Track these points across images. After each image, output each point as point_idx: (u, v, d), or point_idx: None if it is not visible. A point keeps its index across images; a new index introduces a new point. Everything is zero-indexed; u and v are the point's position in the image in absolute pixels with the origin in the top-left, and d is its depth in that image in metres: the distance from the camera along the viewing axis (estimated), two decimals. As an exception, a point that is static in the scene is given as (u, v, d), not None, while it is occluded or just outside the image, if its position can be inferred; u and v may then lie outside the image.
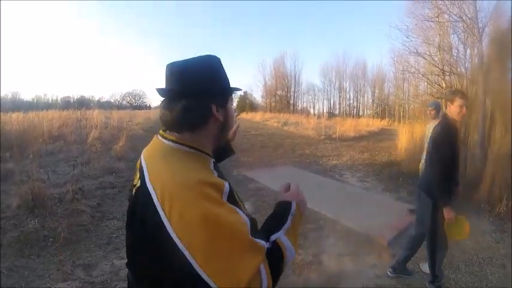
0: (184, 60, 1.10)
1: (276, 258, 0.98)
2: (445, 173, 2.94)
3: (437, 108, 5.41)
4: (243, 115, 41.93)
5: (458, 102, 3.04)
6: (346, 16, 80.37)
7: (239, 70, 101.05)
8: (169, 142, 1.05)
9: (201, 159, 1.04)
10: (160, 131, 1.11)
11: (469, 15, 8.52)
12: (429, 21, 9.95)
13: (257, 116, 32.75)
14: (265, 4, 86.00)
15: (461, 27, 9.05)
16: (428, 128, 5.47)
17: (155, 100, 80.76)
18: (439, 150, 2.99)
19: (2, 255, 3.77)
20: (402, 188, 7.14)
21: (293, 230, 1.09)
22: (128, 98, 77.73)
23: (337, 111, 49.84)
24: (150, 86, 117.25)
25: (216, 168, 1.05)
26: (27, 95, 71.76)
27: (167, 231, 0.83)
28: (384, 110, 43.93)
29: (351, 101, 51.10)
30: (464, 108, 3.04)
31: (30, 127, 11.67)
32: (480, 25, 8.20)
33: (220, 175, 1.04)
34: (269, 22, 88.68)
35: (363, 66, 49.12)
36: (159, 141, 1.09)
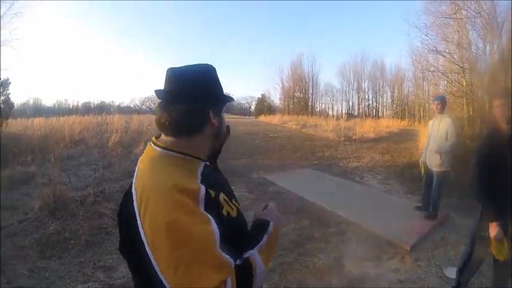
0: (184, 66, 1.13)
1: (245, 275, 0.97)
2: (493, 187, 2.59)
3: (443, 102, 5.28)
4: (261, 118, 41.94)
5: (500, 101, 2.72)
6: (363, 15, 79.63)
7: (256, 72, 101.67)
8: (159, 148, 1.06)
9: (190, 164, 1.05)
10: (153, 138, 1.13)
11: (487, 11, 8.37)
12: (447, 18, 9.79)
13: (275, 119, 32.64)
14: (281, 5, 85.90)
15: (480, 23, 8.89)
16: (432, 122, 5.40)
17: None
18: (484, 163, 2.69)
19: (24, 257, 3.87)
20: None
21: (267, 248, 1.09)
22: (147, 103, 78.44)
23: (356, 112, 49.30)
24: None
25: (207, 171, 1.07)
26: (48, 101, 73.08)
27: (140, 234, 0.86)
28: (403, 110, 43.25)
29: (370, 102, 50.55)
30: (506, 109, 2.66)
31: (52, 132, 11.99)
32: (499, 20, 8.06)
33: (214, 177, 1.09)
34: (286, 23, 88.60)
35: (381, 66, 48.50)
36: (151, 148, 1.09)
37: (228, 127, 1.78)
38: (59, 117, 17.87)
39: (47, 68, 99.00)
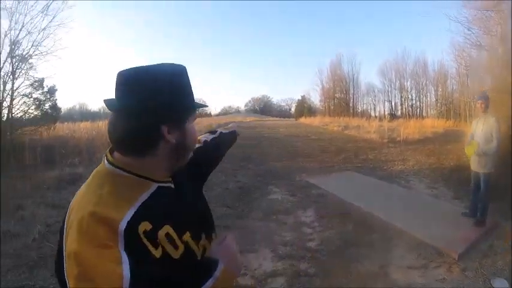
0: (136, 67, 0.92)
1: None
2: None
3: (486, 101, 5.07)
4: (302, 120, 41.81)
5: None
6: (403, 12, 77.69)
7: (295, 74, 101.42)
8: (107, 163, 0.92)
9: (136, 186, 0.89)
10: (108, 149, 0.97)
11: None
12: (488, 11, 9.41)
13: (316, 121, 32.58)
14: (319, 5, 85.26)
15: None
16: (476, 122, 5.21)
17: (215, 108, 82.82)
18: None
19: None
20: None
21: None
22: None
23: (399, 113, 48.01)
24: (208, 95, 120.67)
25: (157, 197, 0.90)
26: (94, 106, 76.24)
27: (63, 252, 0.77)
28: (448, 109, 41.66)
29: (413, 101, 49.07)
30: None
31: (98, 135, 12.53)
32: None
33: (164, 204, 0.92)
34: (324, 24, 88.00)
35: (423, 63, 46.88)
36: (102, 161, 0.95)
37: (234, 133, 1.80)
38: (104, 120, 18.70)
39: (93, 75, 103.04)
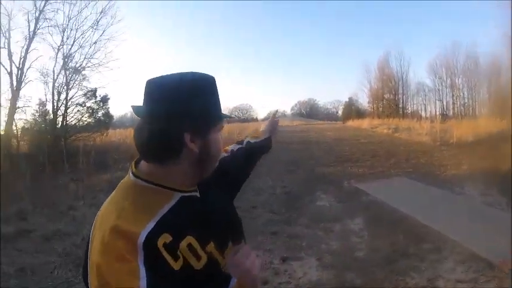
0: (164, 75, 0.93)
1: None
2: None
3: None
4: (350, 122, 41.20)
5: None
6: (449, 5, 74.41)
7: (342, 75, 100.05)
8: (131, 175, 0.93)
9: (157, 197, 0.89)
10: (134, 161, 0.98)
11: None
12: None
13: (364, 123, 31.97)
14: (363, 4, 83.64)
15: None
16: None
17: (261, 113, 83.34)
18: None
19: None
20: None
21: None
22: (236, 112, 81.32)
23: (450, 113, 45.99)
24: (256, 99, 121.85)
25: (179, 207, 0.90)
26: None
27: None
28: (503, 106, 39.28)
29: (466, 100, 46.78)
30: None
31: None
32: None
33: (186, 215, 0.90)
34: (370, 22, 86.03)
35: (474, 58, 44.50)
36: (128, 172, 0.96)
37: (266, 142, 1.66)
38: None
39: (143, 83, 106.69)
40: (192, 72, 0.94)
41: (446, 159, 11.68)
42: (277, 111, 1.87)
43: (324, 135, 22.07)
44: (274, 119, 1.85)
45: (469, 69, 44.51)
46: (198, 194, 0.98)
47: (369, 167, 10.61)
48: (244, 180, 1.49)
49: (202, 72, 0.96)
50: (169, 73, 0.93)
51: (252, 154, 1.55)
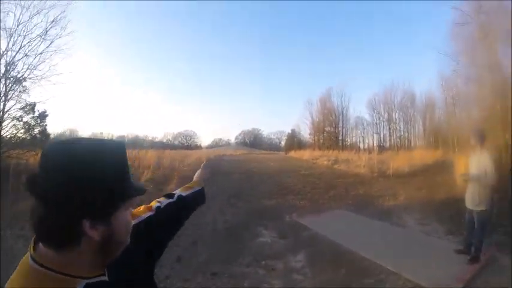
0: (64, 144, 0.81)
1: None
2: None
3: (482, 137, 5.17)
4: (292, 153, 41.93)
5: None
6: (390, 46, 79.62)
7: (285, 108, 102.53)
8: (29, 258, 0.79)
9: (61, 284, 0.76)
10: (33, 238, 0.83)
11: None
12: (477, 43, 9.63)
13: (306, 154, 32.59)
14: (309, 40, 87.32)
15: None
16: (472, 159, 5.25)
17: (205, 140, 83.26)
18: None
19: None
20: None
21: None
22: (180, 138, 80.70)
23: (387, 144, 48.45)
24: (200, 126, 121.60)
25: None
26: (84, 132, 76.12)
27: None
28: (436, 139, 42.12)
29: (402, 132, 49.58)
30: None
31: None
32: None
33: None
34: (314, 58, 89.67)
35: (411, 95, 47.79)
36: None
37: (201, 192, 1.56)
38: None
39: (84, 101, 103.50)
40: (94, 142, 0.82)
41: (384, 190, 11.96)
42: (208, 159, 1.75)
43: (267, 165, 22.09)
44: (206, 165, 1.74)
45: (406, 105, 47.56)
46: (106, 278, 0.85)
47: (309, 199, 10.58)
48: (175, 234, 1.36)
49: (112, 139, 0.91)
50: (71, 138, 0.82)
51: (183, 208, 1.44)
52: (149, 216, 1.20)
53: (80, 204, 0.74)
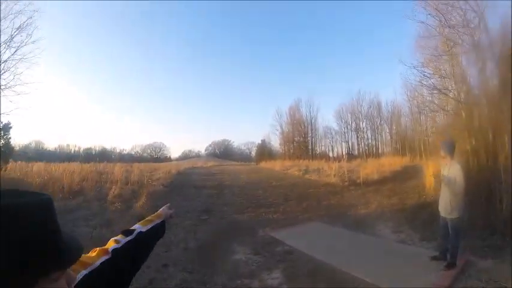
0: None
1: None
2: None
3: (450, 147, 5.28)
4: (263, 164, 41.95)
5: None
6: (357, 57, 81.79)
7: (256, 118, 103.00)
8: None
9: None
10: None
11: (482, 42, 8.46)
12: (442, 55, 9.87)
13: (277, 165, 32.67)
14: (277, 52, 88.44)
15: (476, 56, 8.86)
16: (442, 169, 5.35)
17: (175, 152, 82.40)
18: None
19: None
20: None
21: None
22: (149, 150, 79.73)
23: (356, 152, 49.37)
24: (169, 138, 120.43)
25: None
26: (50, 144, 73.95)
27: None
28: (403, 145, 43.16)
29: (369, 141, 50.69)
30: None
31: (51, 180, 11.83)
32: (495, 50, 8.07)
33: None
34: (283, 69, 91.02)
35: (377, 104, 49.07)
36: None
37: (162, 224, 1.43)
38: (59, 163, 17.91)
39: (51, 112, 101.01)
40: (12, 202, 0.63)
41: (355, 199, 11.99)
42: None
43: (238, 178, 21.90)
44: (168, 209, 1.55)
45: (372, 114, 48.88)
46: None
47: (282, 212, 10.42)
48: (135, 274, 1.19)
49: (36, 191, 0.70)
50: None
51: (144, 245, 1.29)
52: (105, 262, 1.04)
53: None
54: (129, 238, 1.22)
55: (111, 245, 1.16)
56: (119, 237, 1.22)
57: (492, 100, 8.01)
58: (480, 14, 8.49)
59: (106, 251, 1.10)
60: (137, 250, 1.22)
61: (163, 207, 1.55)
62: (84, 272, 0.92)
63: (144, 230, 1.31)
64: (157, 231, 1.39)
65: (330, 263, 5.63)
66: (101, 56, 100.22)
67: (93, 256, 1.05)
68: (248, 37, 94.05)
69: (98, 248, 1.11)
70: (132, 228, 1.30)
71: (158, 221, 1.42)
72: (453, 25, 9.20)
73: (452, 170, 5.09)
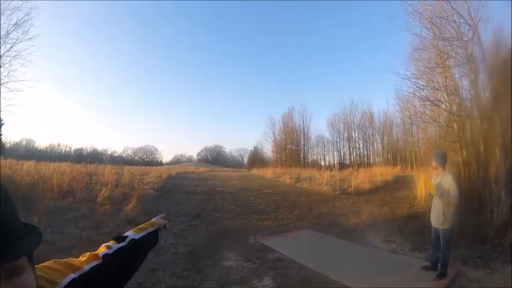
0: None
1: None
2: None
3: (441, 159, 5.31)
4: (254, 170, 41.89)
5: None
6: (350, 68, 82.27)
7: (248, 125, 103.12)
8: None
9: None
10: None
11: (475, 55, 8.57)
12: (435, 67, 9.95)
13: (269, 172, 32.59)
14: (271, 61, 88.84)
15: (469, 68, 8.95)
16: (434, 180, 5.33)
17: (167, 156, 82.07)
18: None
19: None
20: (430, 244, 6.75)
21: None
22: (140, 154, 79.31)
23: (347, 161, 49.52)
24: (161, 142, 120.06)
25: None
26: (41, 142, 73.33)
27: None
28: (395, 156, 43.44)
29: (361, 150, 50.90)
30: None
31: (41, 179, 11.68)
32: (488, 63, 8.17)
33: None
34: (277, 78, 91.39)
35: (369, 114, 49.34)
36: None
37: (155, 234, 1.40)
38: (49, 163, 17.72)
39: (43, 111, 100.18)
40: None
41: (347, 208, 11.96)
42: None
43: (230, 184, 21.83)
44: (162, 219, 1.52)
45: (364, 125, 49.17)
46: None
47: (273, 219, 10.36)
48: (127, 283, 1.17)
49: None
50: None
51: (137, 253, 1.26)
52: (94, 267, 1.01)
53: None
54: (121, 245, 1.20)
55: (102, 250, 1.13)
56: (110, 243, 1.20)
57: (484, 112, 8.09)
58: (474, 27, 8.59)
59: (96, 256, 1.07)
60: (129, 257, 1.19)
61: (158, 216, 1.53)
62: (72, 276, 0.90)
63: (137, 237, 1.29)
64: (150, 240, 1.37)
65: (321, 272, 5.59)
66: (95, 57, 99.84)
67: (83, 260, 1.02)
68: (242, 43, 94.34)
69: (88, 253, 1.08)
70: (125, 235, 1.28)
71: (152, 229, 1.40)
72: (447, 38, 9.29)
73: (444, 180, 5.11)
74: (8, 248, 0.64)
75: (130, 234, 1.29)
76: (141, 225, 1.39)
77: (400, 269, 5.73)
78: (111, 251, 1.13)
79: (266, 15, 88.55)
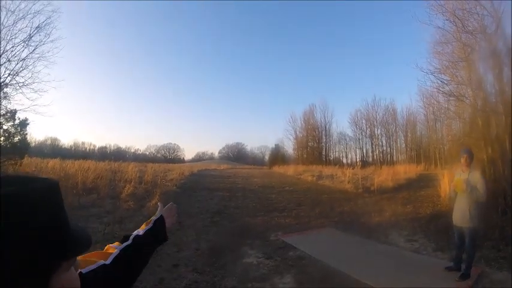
0: None
1: None
2: None
3: (470, 155, 5.19)
4: (276, 168, 41.85)
5: None
6: (373, 63, 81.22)
7: (270, 122, 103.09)
8: None
9: None
10: None
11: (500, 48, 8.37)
12: (459, 61, 9.74)
13: (290, 169, 32.48)
14: (293, 58, 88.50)
15: (493, 62, 8.74)
16: (459, 176, 5.20)
17: (189, 154, 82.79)
18: None
19: None
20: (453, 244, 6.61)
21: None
22: (163, 151, 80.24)
23: (370, 159, 48.92)
24: (184, 139, 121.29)
25: None
26: (66, 141, 75.01)
27: None
28: (419, 153, 42.69)
29: (384, 148, 50.20)
30: None
31: (66, 176, 11.93)
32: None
33: None
34: (298, 74, 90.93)
35: (392, 111, 48.60)
36: None
37: (162, 227, 1.36)
38: (74, 160, 18.13)
39: (67, 110, 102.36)
40: (20, 180, 0.62)
41: (369, 207, 11.82)
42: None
43: (251, 181, 21.87)
44: (172, 206, 1.51)
45: (387, 121, 48.46)
46: None
47: (295, 217, 10.35)
48: (135, 281, 1.16)
49: (42, 178, 0.67)
50: None
51: (141, 249, 1.23)
52: (102, 266, 1.02)
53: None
54: (126, 243, 1.20)
55: (110, 251, 1.14)
56: (115, 244, 1.21)
57: (509, 108, 7.89)
58: (497, 20, 8.38)
59: (105, 255, 1.08)
60: (134, 256, 1.18)
61: (165, 207, 1.51)
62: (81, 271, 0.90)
63: (141, 233, 1.28)
64: (156, 233, 1.33)
65: (342, 270, 5.57)
66: (119, 57, 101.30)
67: (92, 259, 1.03)
68: (265, 41, 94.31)
69: (97, 251, 1.10)
70: (128, 234, 1.28)
71: (155, 218, 1.38)
72: (470, 31, 9.09)
73: (472, 178, 5.00)
74: (75, 245, 0.69)
75: (136, 232, 1.29)
76: (147, 221, 1.38)
77: (423, 269, 5.63)
78: (118, 252, 1.14)
79: (288, 10, 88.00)
